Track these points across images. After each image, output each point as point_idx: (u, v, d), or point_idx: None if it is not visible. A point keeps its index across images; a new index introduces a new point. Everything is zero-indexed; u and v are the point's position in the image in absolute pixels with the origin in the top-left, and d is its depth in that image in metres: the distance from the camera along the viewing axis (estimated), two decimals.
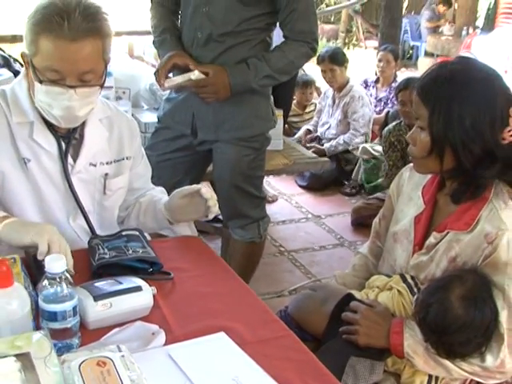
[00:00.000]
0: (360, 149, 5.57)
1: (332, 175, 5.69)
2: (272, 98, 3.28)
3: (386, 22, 7.36)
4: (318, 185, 5.66)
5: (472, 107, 1.80)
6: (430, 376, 1.93)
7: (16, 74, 4.41)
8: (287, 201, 5.44)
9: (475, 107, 1.80)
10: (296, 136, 6.09)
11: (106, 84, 2.67)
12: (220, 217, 4.04)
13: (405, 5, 10.27)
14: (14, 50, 5.38)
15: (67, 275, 1.48)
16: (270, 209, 5.15)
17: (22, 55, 1.95)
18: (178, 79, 2.89)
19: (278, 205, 5.34)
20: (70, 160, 2.06)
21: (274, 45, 3.09)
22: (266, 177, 5.38)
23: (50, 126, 2.02)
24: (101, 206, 2.18)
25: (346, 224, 4.98)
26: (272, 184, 5.68)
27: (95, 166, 2.12)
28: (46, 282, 1.47)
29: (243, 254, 3.31)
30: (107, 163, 2.16)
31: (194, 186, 2.10)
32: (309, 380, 1.48)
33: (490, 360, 1.81)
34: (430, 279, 1.94)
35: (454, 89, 1.82)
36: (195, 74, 2.82)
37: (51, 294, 1.46)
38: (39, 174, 2.03)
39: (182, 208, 2.13)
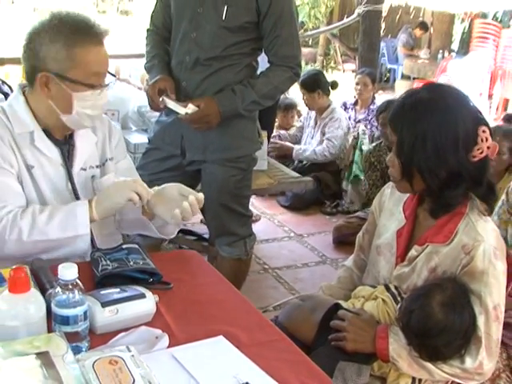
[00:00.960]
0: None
1: (313, 195, 5.80)
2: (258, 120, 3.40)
3: (365, 46, 7.52)
4: (299, 205, 5.77)
5: (434, 133, 1.94)
6: (414, 379, 2.04)
7: (5, 95, 4.53)
8: (270, 220, 5.56)
9: (437, 132, 1.94)
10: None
11: None
12: (206, 236, 4.17)
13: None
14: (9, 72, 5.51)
15: (78, 282, 1.59)
16: (254, 228, 5.17)
17: (42, 77, 2.08)
18: (173, 107, 3.01)
19: (262, 224, 5.45)
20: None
21: (260, 69, 3.23)
22: None
23: (48, 135, 2.19)
24: None
25: (328, 242, 5.10)
26: (255, 204, 5.78)
27: (85, 170, 2.28)
28: (58, 289, 1.58)
29: (230, 270, 3.38)
30: (96, 166, 2.32)
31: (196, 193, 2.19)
32: (303, 378, 1.60)
33: (469, 362, 1.94)
34: (412, 288, 2.08)
35: (417, 116, 1.97)
36: (190, 108, 2.94)
37: (64, 300, 1.57)
38: (43, 179, 2.17)
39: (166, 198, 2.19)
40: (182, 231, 4.17)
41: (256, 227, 5.25)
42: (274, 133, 6.18)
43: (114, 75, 2.31)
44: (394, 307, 2.10)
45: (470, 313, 1.94)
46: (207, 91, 3.06)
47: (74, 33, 2.06)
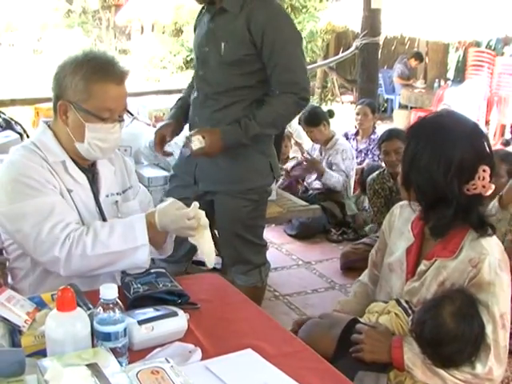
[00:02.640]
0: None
1: (319, 224, 5.92)
2: (275, 154, 3.46)
3: (364, 78, 7.66)
4: (306, 233, 5.89)
5: (430, 153, 2.13)
6: None
7: (20, 135, 4.69)
8: (278, 249, 5.68)
9: (432, 154, 2.12)
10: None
11: None
12: (217, 266, 4.26)
13: None
14: (13, 113, 5.67)
15: (118, 301, 1.73)
16: None
17: (60, 105, 2.27)
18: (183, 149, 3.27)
19: (270, 253, 5.49)
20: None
21: None
22: None
23: (75, 162, 2.36)
24: None
25: (336, 268, 5.21)
26: None
27: (108, 196, 2.45)
28: (100, 308, 1.72)
29: None
30: (117, 194, 2.49)
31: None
32: None
33: (479, 368, 2.06)
34: (422, 302, 2.21)
35: (424, 134, 2.18)
36: (195, 144, 3.08)
37: (105, 318, 1.70)
38: (79, 202, 2.34)
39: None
40: (194, 262, 4.29)
41: None
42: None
43: (132, 114, 2.48)
44: (406, 320, 2.22)
45: (478, 322, 2.07)
46: (217, 126, 3.16)
47: (95, 68, 2.23)
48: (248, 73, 3.16)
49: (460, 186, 2.11)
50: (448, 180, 2.10)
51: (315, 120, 6.09)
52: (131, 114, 2.49)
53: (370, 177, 5.17)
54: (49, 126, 2.37)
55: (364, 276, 2.66)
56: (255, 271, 3.50)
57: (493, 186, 2.16)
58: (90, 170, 2.41)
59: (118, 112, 2.29)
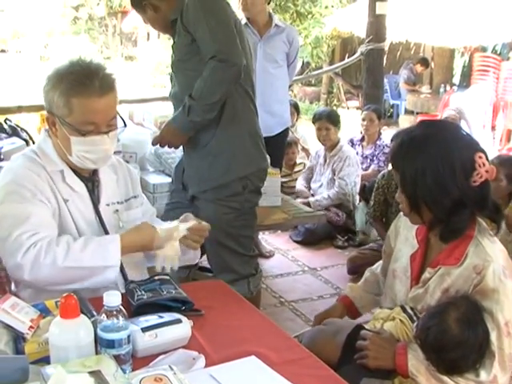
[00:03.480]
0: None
1: (325, 230, 5.92)
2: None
3: (369, 84, 7.65)
4: (312, 239, 5.90)
5: (431, 165, 2.11)
6: None
7: (26, 141, 4.72)
8: (283, 255, 5.68)
9: (434, 165, 2.11)
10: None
11: (114, 149, 3.13)
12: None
13: None
14: (20, 120, 5.70)
15: (122, 308, 1.73)
16: (268, 263, 5.43)
17: (47, 118, 2.29)
18: None
19: (275, 259, 5.57)
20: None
21: None
22: (261, 233, 5.68)
23: (75, 172, 2.36)
24: None
25: (341, 274, 5.21)
26: (268, 240, 5.93)
27: (109, 205, 2.45)
28: (103, 315, 1.72)
29: None
30: (118, 203, 2.48)
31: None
32: None
33: (483, 375, 2.06)
34: (426, 308, 2.21)
35: (414, 152, 2.15)
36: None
37: (109, 325, 1.70)
38: (76, 212, 2.34)
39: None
40: (199, 268, 4.29)
41: (271, 262, 5.42)
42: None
43: (125, 123, 2.45)
44: (410, 326, 2.22)
45: (483, 328, 2.06)
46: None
47: (73, 83, 2.20)
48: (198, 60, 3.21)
49: (467, 182, 2.11)
50: (458, 181, 2.09)
51: (336, 118, 6.15)
52: (124, 123, 2.45)
53: (381, 173, 5.26)
54: (49, 134, 2.37)
55: (377, 266, 2.69)
56: (242, 282, 3.47)
57: (494, 167, 2.16)
58: (90, 178, 2.41)
59: (104, 123, 2.26)
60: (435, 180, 2.10)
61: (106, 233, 2.36)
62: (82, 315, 1.68)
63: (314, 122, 6.27)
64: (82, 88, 2.19)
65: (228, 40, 3.15)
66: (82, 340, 1.65)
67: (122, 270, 2.32)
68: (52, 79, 2.24)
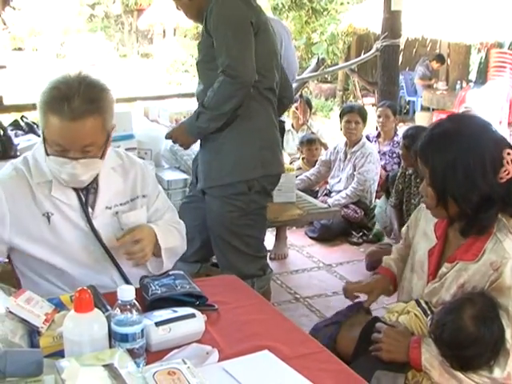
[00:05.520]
0: None
1: (340, 226, 5.91)
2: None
3: (384, 80, 7.62)
4: (327, 235, 5.88)
5: (462, 160, 2.09)
6: None
7: None
8: (299, 252, 5.68)
9: (465, 159, 2.09)
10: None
11: (129, 146, 3.17)
12: None
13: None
14: (36, 117, 5.71)
15: (135, 303, 1.74)
16: (283, 260, 5.43)
17: (42, 131, 2.22)
18: None
19: (291, 255, 5.56)
20: (89, 207, 2.34)
21: None
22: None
23: None
24: None
25: (357, 271, 5.19)
26: None
27: (110, 208, 2.39)
28: (117, 309, 1.72)
29: None
30: (121, 204, 2.42)
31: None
32: None
33: (497, 372, 2.05)
34: (441, 303, 2.20)
35: (445, 146, 2.12)
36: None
37: (123, 319, 1.71)
38: (63, 224, 2.30)
39: None
40: (212, 264, 4.30)
41: (286, 259, 5.42)
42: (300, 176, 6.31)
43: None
44: (424, 321, 2.22)
45: (499, 326, 2.05)
46: None
47: (51, 99, 2.10)
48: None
49: (495, 179, 2.09)
50: (487, 177, 2.08)
51: (365, 114, 6.16)
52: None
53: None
54: None
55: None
56: (247, 282, 3.41)
57: None
58: (84, 188, 2.33)
59: (73, 149, 2.14)
60: (465, 174, 2.08)
61: (99, 241, 2.33)
62: (96, 309, 1.69)
63: (341, 116, 6.21)
64: (56, 106, 2.09)
65: (241, 56, 3.20)
66: (95, 334, 1.66)
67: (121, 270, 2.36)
68: (45, 86, 2.16)
